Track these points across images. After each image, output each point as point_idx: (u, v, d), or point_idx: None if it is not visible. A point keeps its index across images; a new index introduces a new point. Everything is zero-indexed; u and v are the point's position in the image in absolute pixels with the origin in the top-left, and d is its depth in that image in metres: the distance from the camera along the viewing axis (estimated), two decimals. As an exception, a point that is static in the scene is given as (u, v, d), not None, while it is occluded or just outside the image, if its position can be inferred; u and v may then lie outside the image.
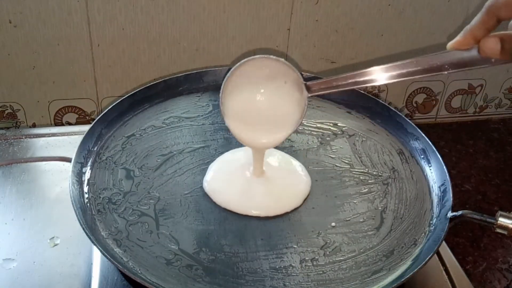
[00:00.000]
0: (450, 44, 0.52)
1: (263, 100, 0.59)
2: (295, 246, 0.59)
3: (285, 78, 0.58)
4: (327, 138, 0.74)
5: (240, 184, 0.66)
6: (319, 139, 0.74)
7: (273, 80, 0.58)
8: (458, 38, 0.51)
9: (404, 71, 0.55)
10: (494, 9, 0.48)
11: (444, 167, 0.66)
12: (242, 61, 0.58)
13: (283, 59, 0.58)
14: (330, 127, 0.76)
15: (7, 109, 0.88)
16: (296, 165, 0.69)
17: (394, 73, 0.56)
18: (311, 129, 0.76)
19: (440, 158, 0.67)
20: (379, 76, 0.56)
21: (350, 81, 0.56)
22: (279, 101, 0.59)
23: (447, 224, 0.58)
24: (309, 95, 0.58)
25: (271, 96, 0.59)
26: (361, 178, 0.68)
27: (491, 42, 0.48)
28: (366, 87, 0.55)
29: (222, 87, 0.58)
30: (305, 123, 0.76)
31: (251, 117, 0.59)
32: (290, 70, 0.58)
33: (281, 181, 0.67)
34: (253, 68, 0.57)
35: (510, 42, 0.47)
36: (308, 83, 0.58)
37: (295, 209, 0.63)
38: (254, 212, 0.62)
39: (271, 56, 0.58)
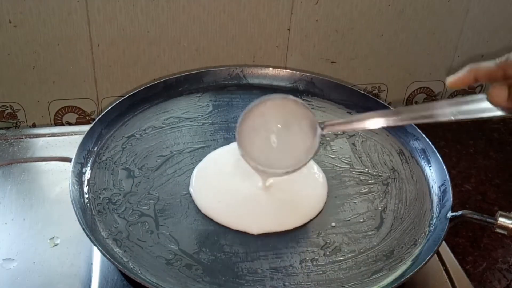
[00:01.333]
0: (450, 80, 0.52)
1: (278, 139, 0.59)
2: (295, 246, 0.59)
3: (301, 118, 0.58)
4: (327, 138, 0.74)
5: (241, 197, 0.63)
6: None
7: (289, 119, 0.59)
8: (459, 74, 0.51)
9: (415, 114, 0.55)
10: (504, 65, 0.49)
11: (444, 167, 0.66)
12: (259, 100, 0.58)
13: (300, 100, 0.58)
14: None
15: (7, 109, 0.88)
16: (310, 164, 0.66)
17: (405, 116, 0.55)
18: (311, 129, 0.76)
19: (440, 158, 0.67)
20: (389, 119, 0.55)
21: (362, 122, 0.57)
22: (294, 139, 0.59)
23: (447, 224, 0.58)
24: (323, 132, 0.58)
25: (286, 136, 0.59)
26: (361, 178, 0.68)
27: (498, 89, 0.48)
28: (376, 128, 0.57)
29: (238, 124, 0.58)
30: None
31: (265, 154, 0.59)
32: (306, 110, 0.58)
33: (292, 191, 0.64)
34: (270, 108, 0.58)
35: None
36: (322, 122, 0.58)
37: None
38: (258, 230, 0.60)
39: (289, 96, 0.58)
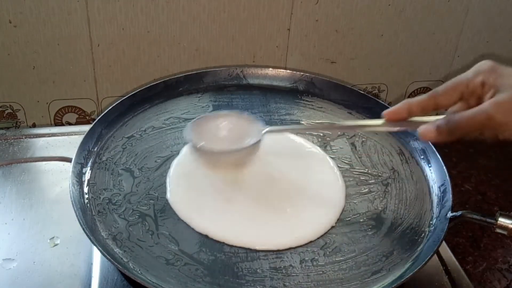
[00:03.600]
0: (385, 112, 0.56)
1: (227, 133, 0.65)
2: (295, 246, 0.59)
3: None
4: (327, 139, 0.74)
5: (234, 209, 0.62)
6: (319, 140, 0.74)
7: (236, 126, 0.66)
8: (394, 108, 0.56)
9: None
10: (435, 94, 0.54)
11: (444, 167, 0.66)
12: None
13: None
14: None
15: (7, 109, 0.88)
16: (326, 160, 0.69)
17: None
18: (311, 129, 0.76)
19: (440, 159, 0.67)
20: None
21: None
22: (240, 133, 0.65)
23: (447, 225, 0.58)
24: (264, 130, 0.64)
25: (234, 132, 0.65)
26: (361, 178, 0.68)
27: (427, 128, 0.53)
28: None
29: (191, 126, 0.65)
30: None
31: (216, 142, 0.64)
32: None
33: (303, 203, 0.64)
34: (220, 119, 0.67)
35: (444, 126, 0.51)
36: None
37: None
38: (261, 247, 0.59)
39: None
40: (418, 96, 0.55)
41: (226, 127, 0.66)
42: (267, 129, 0.64)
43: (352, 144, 0.73)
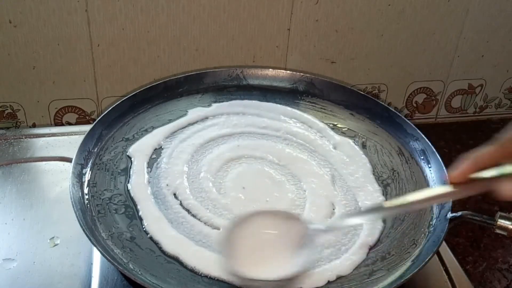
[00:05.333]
0: (450, 176, 0.49)
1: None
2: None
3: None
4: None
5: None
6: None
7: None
8: (460, 168, 0.48)
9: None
10: (504, 142, 0.47)
11: (444, 168, 0.66)
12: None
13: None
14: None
15: (7, 109, 0.88)
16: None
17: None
18: (311, 129, 0.76)
19: (440, 159, 0.67)
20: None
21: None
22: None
23: (447, 225, 0.58)
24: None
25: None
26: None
27: (509, 187, 0.45)
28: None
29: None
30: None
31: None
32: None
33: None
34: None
35: None
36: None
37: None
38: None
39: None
40: (481, 147, 0.48)
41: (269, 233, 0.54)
42: (319, 230, 0.54)
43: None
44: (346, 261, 0.57)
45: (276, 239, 0.53)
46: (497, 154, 0.47)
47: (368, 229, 0.60)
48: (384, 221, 0.62)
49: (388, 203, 0.54)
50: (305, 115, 0.77)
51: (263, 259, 0.52)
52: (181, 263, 0.55)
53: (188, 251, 0.56)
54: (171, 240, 0.57)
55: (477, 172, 0.47)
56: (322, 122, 0.76)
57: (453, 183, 0.48)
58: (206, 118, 0.75)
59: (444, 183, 0.50)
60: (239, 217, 0.54)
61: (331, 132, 0.74)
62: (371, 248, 0.59)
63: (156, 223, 0.59)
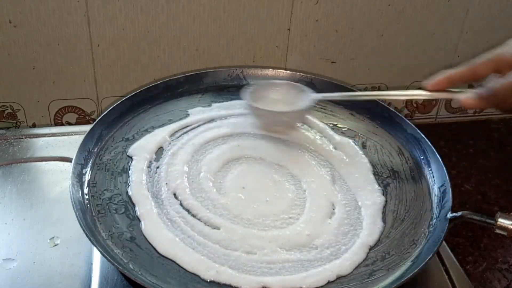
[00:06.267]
0: (427, 83, 0.62)
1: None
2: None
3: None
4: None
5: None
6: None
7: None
8: (436, 79, 0.61)
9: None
10: (473, 65, 0.59)
11: (444, 168, 0.66)
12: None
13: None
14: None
15: (7, 109, 0.88)
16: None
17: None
18: (311, 129, 0.76)
19: (440, 159, 0.67)
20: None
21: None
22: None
23: (447, 225, 0.58)
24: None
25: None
26: (361, 178, 0.68)
27: (469, 97, 0.58)
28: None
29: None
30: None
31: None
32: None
33: None
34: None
35: (484, 94, 0.57)
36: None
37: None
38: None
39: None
40: (457, 67, 0.60)
41: (280, 93, 0.74)
42: (317, 96, 0.72)
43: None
44: (346, 261, 0.57)
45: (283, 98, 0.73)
46: (467, 74, 0.60)
47: (368, 229, 0.60)
48: (384, 221, 0.62)
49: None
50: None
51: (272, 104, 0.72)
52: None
53: (183, 253, 0.56)
54: (167, 242, 0.57)
55: (447, 85, 0.61)
56: (322, 122, 0.76)
57: (428, 90, 0.62)
58: (206, 118, 0.75)
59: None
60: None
61: (331, 132, 0.74)
62: (371, 248, 0.59)
63: (153, 224, 0.59)
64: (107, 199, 0.62)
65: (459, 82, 0.60)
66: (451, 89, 0.62)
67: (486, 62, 0.58)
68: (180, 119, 0.74)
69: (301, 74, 0.82)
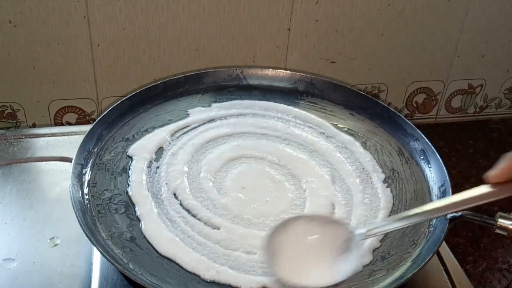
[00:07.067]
0: (489, 175, 0.48)
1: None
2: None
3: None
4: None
5: None
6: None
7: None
8: (500, 167, 0.47)
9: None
10: None
11: (444, 168, 0.66)
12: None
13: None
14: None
15: (7, 109, 0.88)
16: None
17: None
18: (311, 129, 0.76)
19: (440, 159, 0.67)
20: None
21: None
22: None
23: (447, 225, 0.58)
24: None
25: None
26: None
27: None
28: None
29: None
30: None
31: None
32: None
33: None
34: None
35: None
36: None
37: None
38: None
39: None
40: None
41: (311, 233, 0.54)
42: (365, 234, 0.54)
43: (352, 144, 0.73)
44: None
45: (319, 244, 0.52)
46: None
47: None
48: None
49: (428, 207, 0.53)
50: (304, 113, 0.77)
51: (306, 266, 0.51)
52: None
53: (183, 253, 0.56)
54: (167, 242, 0.57)
55: None
56: (322, 122, 0.76)
57: (492, 183, 0.47)
58: (206, 118, 0.75)
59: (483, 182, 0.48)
60: (280, 222, 0.54)
61: (331, 132, 0.74)
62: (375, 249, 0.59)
63: (153, 224, 0.59)
64: (107, 199, 0.62)
65: None
66: None
67: None
68: (180, 119, 0.74)
69: (301, 74, 0.82)
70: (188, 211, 0.61)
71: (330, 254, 0.52)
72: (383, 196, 0.65)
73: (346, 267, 0.51)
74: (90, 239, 0.54)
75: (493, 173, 0.47)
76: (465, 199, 0.50)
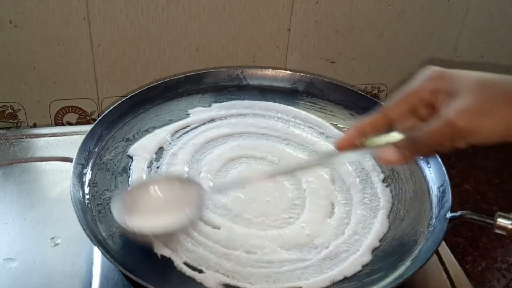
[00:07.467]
0: (337, 143, 0.52)
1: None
2: (294, 247, 0.59)
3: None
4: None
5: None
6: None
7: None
8: (345, 135, 0.51)
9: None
10: (385, 110, 0.51)
11: (443, 168, 0.66)
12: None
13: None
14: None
15: (7, 109, 0.88)
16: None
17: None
18: (311, 129, 0.76)
19: (439, 159, 0.67)
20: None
21: None
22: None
23: (446, 225, 0.58)
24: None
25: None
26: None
27: (389, 153, 0.48)
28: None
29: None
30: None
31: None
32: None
33: None
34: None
35: (408, 147, 0.48)
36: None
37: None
38: None
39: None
40: (367, 115, 0.51)
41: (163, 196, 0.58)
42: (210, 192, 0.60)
43: (352, 144, 0.74)
44: (354, 261, 0.57)
45: (171, 199, 0.57)
46: (379, 121, 0.50)
47: (375, 232, 0.60)
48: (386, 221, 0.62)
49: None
50: (304, 113, 0.77)
51: (155, 217, 0.56)
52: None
53: (183, 253, 0.56)
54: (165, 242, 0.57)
55: (363, 138, 0.51)
56: (322, 122, 0.76)
57: (341, 150, 0.51)
58: (206, 118, 0.75)
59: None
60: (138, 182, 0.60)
61: (331, 132, 0.74)
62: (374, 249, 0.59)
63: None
64: (108, 199, 0.62)
65: (373, 132, 0.50)
66: (369, 142, 0.51)
67: (398, 104, 0.50)
68: (181, 119, 0.75)
69: (301, 74, 0.83)
70: (188, 211, 0.61)
71: (178, 206, 0.57)
72: (383, 196, 0.65)
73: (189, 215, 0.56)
74: (90, 239, 0.54)
75: (340, 142, 0.51)
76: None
